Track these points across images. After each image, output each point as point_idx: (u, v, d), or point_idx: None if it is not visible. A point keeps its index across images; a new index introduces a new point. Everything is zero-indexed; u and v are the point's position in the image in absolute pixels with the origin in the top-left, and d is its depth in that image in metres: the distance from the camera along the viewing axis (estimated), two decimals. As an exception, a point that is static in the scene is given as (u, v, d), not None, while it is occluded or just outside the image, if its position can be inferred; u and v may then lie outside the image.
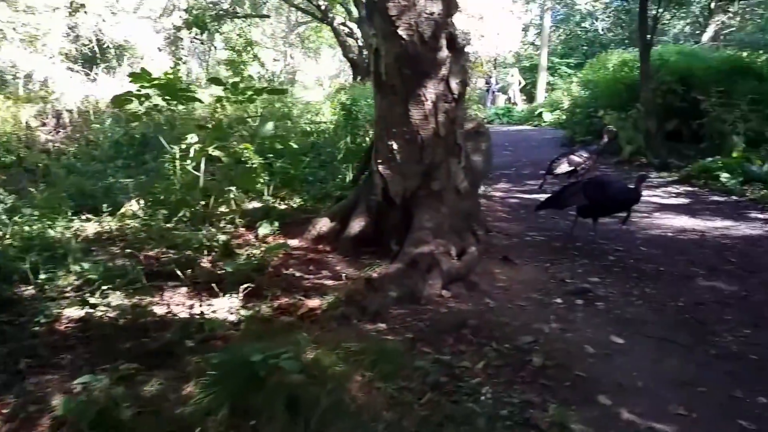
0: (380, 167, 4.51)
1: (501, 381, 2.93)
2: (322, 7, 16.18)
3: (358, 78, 16.91)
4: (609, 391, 2.94)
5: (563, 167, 7.88)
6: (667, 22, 28.85)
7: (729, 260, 5.11)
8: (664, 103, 11.17)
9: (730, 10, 27.22)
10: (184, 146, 5.17)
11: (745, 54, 12.85)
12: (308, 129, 9.97)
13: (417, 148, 4.37)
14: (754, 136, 9.49)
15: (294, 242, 4.92)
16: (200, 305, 3.55)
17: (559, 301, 4.13)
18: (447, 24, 4.19)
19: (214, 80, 5.09)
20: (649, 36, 10.54)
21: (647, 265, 4.96)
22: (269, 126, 5.75)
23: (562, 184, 6.52)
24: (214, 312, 3.49)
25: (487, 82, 24.17)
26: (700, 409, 2.83)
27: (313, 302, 3.62)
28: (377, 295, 3.71)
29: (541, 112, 18.43)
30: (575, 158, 7.82)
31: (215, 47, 23.04)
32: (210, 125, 5.16)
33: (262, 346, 2.72)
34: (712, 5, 25.77)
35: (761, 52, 15.17)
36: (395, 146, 4.40)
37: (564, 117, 16.10)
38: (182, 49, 17.85)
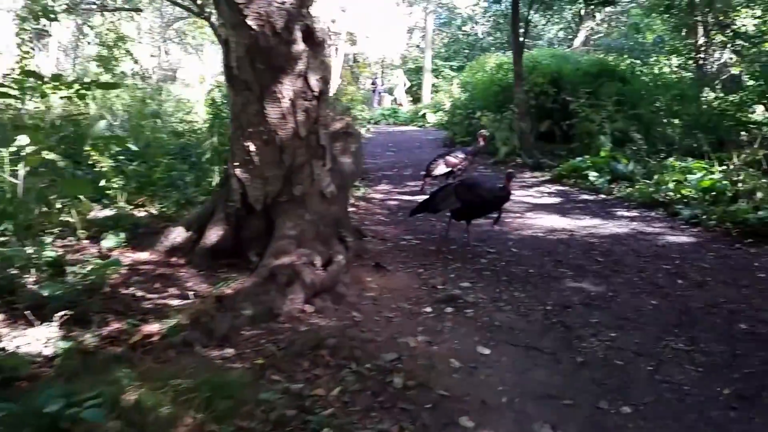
0: (237, 171, 4.09)
1: (357, 410, 2.62)
2: (198, 1, 15.31)
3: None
4: (472, 411, 2.71)
5: (441, 168, 7.83)
6: (542, 27, 30.17)
7: (596, 260, 5.12)
8: (537, 105, 11.47)
9: (597, 16, 28.88)
10: (14, 149, 4.48)
11: (610, 58, 13.51)
12: (179, 129, 9.31)
13: (276, 149, 3.99)
14: (621, 135, 9.89)
15: (144, 255, 4.39)
16: (8, 337, 2.98)
17: (428, 310, 3.89)
18: (302, 15, 3.82)
19: (30, 73, 4.42)
20: (521, 39, 10.73)
21: (517, 268, 4.86)
22: (101, 125, 5.13)
23: (439, 186, 6.36)
24: (27, 344, 2.94)
25: (373, 83, 24.13)
26: (565, 425, 2.67)
27: (152, 327, 3.15)
28: (228, 314, 3.30)
29: (425, 113, 18.56)
30: (452, 159, 7.81)
31: (89, 42, 21.36)
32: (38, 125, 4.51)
33: (67, 389, 2.25)
34: (582, 12, 27.20)
35: (625, 56, 16.07)
36: (252, 148, 3.99)
37: (446, 118, 16.28)
38: (41, 41, 16.32)
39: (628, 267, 4.92)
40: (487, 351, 3.34)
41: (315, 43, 3.99)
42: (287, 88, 3.83)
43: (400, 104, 23.14)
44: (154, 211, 5.64)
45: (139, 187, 5.80)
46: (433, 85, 25.38)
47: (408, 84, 24.42)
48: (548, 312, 3.95)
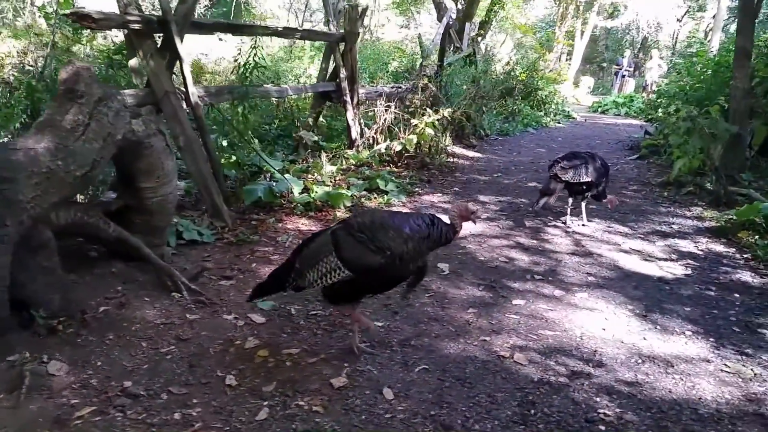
0: None
1: None
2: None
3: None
4: None
5: (576, 174, 4.72)
6: None
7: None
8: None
9: None
10: None
11: None
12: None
13: None
14: None
15: None
16: None
17: None
18: None
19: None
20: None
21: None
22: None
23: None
24: None
25: (618, 65, 19.47)
26: None
27: None
28: None
29: (658, 105, 13.91)
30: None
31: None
32: None
33: None
34: None
35: None
36: None
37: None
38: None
39: None
40: None
41: None
42: None
43: (651, 92, 18.11)
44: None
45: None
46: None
47: (664, 69, 19.03)
48: None
